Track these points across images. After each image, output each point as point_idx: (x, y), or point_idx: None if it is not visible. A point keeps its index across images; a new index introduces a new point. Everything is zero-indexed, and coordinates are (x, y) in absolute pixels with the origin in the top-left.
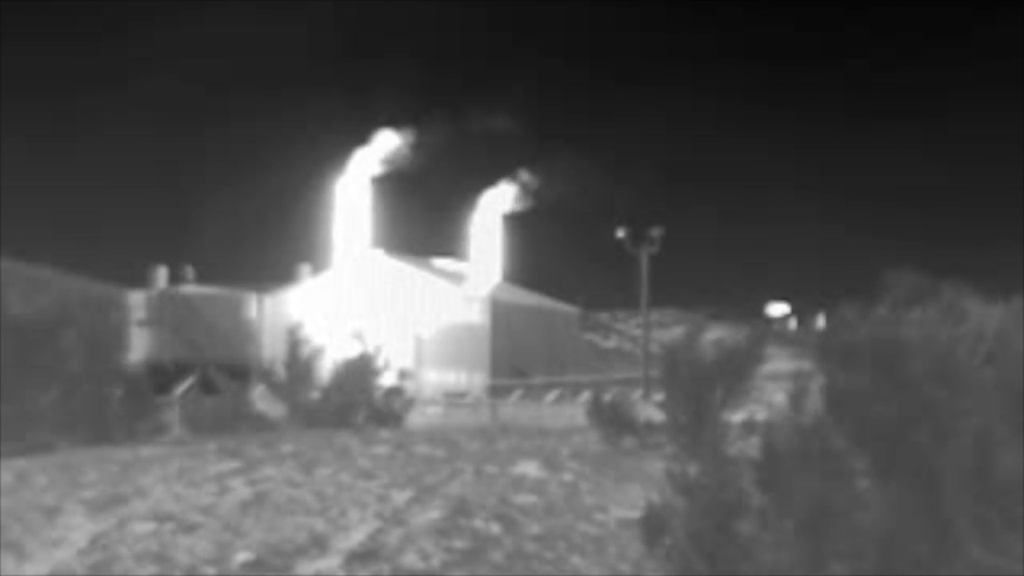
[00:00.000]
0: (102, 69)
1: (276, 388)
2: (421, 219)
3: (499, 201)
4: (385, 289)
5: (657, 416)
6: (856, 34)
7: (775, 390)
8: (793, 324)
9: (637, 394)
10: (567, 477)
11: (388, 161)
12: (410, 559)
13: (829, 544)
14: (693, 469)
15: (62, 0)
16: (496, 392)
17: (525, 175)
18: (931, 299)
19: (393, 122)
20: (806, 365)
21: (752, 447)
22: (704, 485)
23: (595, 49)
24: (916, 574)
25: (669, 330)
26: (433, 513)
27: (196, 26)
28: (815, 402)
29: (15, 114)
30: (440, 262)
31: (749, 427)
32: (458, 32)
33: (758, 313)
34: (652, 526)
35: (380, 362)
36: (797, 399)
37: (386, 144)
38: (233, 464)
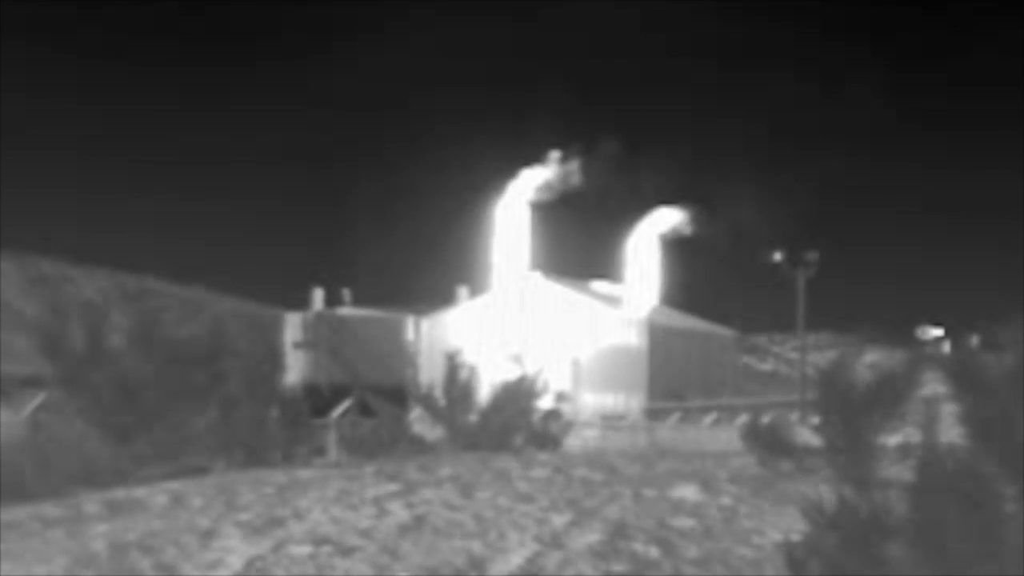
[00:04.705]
0: (260, 95)
1: (434, 411)
2: (579, 242)
3: (656, 226)
4: (543, 312)
5: (814, 439)
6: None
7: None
8: (947, 347)
9: (794, 417)
10: (725, 500)
11: (547, 187)
12: None
13: (975, 568)
14: (848, 492)
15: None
16: (653, 415)
17: (682, 199)
18: None
19: (553, 147)
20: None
21: (908, 470)
22: (853, 509)
23: (753, 75)
24: None
25: (825, 353)
26: (592, 536)
27: (354, 53)
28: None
29: (177, 136)
30: (597, 285)
31: (905, 451)
32: (616, 58)
33: (912, 336)
34: (796, 557)
35: (539, 384)
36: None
37: (546, 169)
38: (391, 487)
